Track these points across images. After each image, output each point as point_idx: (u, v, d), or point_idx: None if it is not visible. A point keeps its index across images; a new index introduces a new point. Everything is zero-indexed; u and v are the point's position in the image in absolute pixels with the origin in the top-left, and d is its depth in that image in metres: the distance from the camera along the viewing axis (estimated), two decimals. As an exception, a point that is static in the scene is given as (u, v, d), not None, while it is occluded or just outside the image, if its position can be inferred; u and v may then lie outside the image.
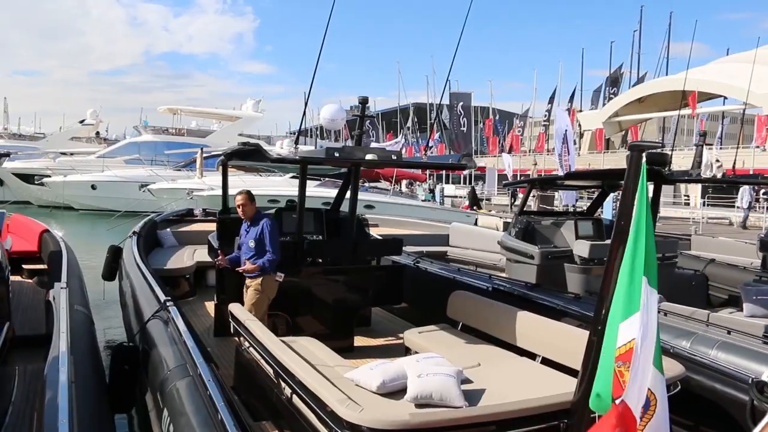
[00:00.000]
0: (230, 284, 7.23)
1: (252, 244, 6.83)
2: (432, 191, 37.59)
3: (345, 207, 8.68)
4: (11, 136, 65.01)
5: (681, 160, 15.47)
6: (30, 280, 9.11)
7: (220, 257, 7.17)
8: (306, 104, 8.07)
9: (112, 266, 10.06)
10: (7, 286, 5.89)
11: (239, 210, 6.95)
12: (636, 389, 2.86)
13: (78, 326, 5.87)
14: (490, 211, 33.09)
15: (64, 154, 48.75)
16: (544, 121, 60.83)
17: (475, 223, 22.22)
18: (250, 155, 7.62)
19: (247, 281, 6.92)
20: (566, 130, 34.14)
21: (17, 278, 8.81)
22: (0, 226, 7.95)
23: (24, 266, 9.44)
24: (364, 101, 7.39)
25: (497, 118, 69.55)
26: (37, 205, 37.53)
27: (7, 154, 7.92)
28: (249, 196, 6.99)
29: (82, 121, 63.46)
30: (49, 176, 38.49)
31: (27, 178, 40.56)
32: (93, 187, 36.29)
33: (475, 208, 32.98)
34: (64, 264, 8.20)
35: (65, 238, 10.47)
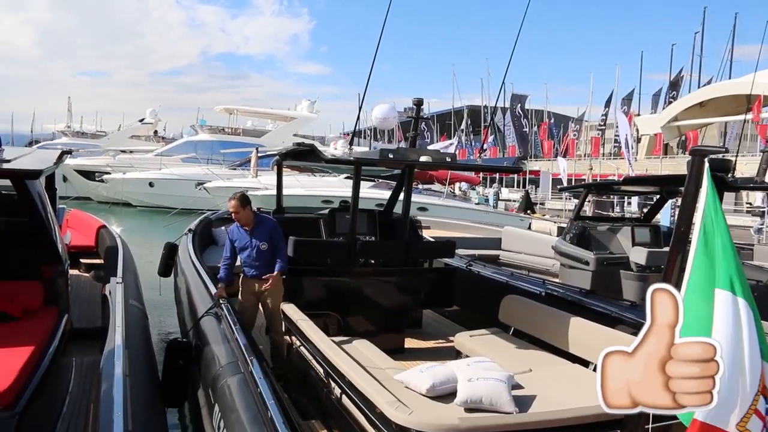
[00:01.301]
0: (282, 283, 7.25)
1: (265, 246, 6.73)
2: (497, 195, 37.31)
3: (398, 209, 8.66)
4: (74, 134, 66.86)
5: (743, 167, 15.05)
6: (87, 274, 9.30)
7: (219, 290, 6.80)
8: (360, 106, 8.10)
9: (168, 263, 10.17)
10: (66, 279, 6.03)
11: (234, 216, 6.78)
12: (724, 409, 2.70)
13: (132, 320, 5.97)
14: (543, 215, 32.71)
15: (123, 152, 49.80)
16: (600, 125, 59.88)
17: (529, 228, 22.00)
18: (304, 156, 7.66)
19: (256, 286, 6.83)
20: (626, 135, 33.79)
21: (75, 272, 9.00)
22: (60, 222, 8.14)
23: (82, 260, 9.64)
24: (419, 103, 7.38)
25: (552, 121, 68.77)
26: (97, 201, 38.42)
27: (70, 152, 8.11)
28: (241, 201, 6.75)
29: (141, 120, 64.79)
30: (109, 173, 39.43)
31: (88, 174, 41.56)
32: (150, 184, 37.02)
33: (528, 212, 32.65)
34: (119, 259, 8.35)
35: (123, 234, 10.67)
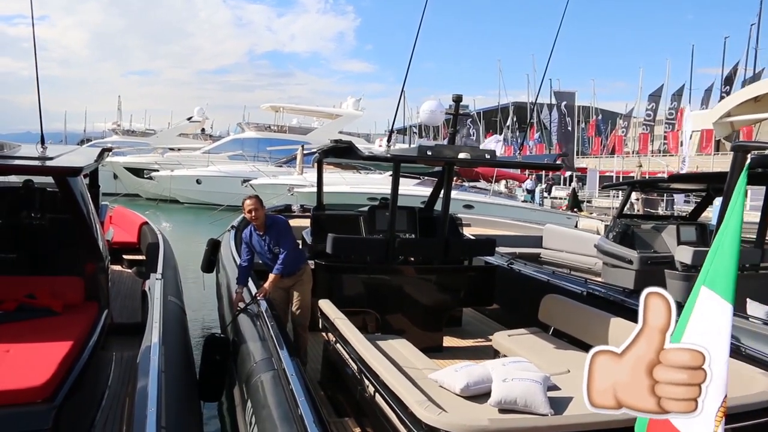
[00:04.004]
0: (321, 280, 7.27)
1: (277, 250, 6.75)
2: (576, 194, 36.72)
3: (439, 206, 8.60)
4: (124, 132, 68.07)
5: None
6: (129, 270, 9.44)
7: (237, 295, 6.81)
8: (398, 103, 8.06)
9: (211, 259, 10.21)
10: (106, 275, 6.12)
11: (250, 215, 6.67)
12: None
13: (170, 316, 6.04)
14: (591, 213, 32.20)
15: (172, 149, 50.40)
16: (647, 120, 58.49)
17: (576, 226, 21.69)
18: (343, 153, 7.66)
19: (284, 281, 6.80)
20: (687, 131, 33.19)
21: (117, 268, 9.15)
22: (103, 219, 8.28)
23: (124, 256, 9.81)
24: (457, 99, 7.30)
25: (600, 117, 67.61)
26: (146, 197, 39.05)
27: (110, 149, 8.26)
28: (259, 199, 6.79)
29: (189, 119, 65.49)
30: (158, 170, 40.03)
31: (137, 172, 42.26)
32: (198, 181, 37.42)
33: (575, 210, 32.21)
34: (160, 256, 8.44)
35: (170, 230, 10.83)
